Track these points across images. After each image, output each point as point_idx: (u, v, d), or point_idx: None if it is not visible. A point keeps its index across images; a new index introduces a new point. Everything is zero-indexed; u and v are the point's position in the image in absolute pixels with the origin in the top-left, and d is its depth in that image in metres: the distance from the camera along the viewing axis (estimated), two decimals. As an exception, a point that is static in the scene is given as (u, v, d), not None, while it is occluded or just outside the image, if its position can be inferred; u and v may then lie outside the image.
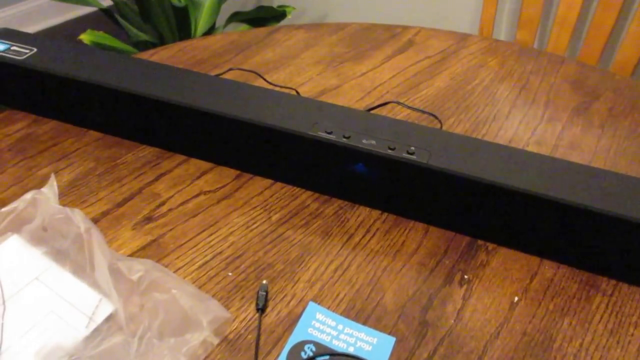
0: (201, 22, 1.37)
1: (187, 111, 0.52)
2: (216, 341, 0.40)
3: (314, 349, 0.41)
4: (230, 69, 0.71)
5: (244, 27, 1.43)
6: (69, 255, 0.44)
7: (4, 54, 0.56)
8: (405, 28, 0.85)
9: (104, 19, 1.37)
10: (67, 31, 2.13)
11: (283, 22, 1.39)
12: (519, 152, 0.49)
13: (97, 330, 0.40)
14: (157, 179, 0.55)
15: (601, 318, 0.44)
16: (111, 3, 1.40)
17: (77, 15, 2.17)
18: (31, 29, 2.12)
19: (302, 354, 0.40)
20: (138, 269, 0.41)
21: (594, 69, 0.77)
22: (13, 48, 0.57)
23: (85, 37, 1.15)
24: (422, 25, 0.86)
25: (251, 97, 0.53)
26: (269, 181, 0.55)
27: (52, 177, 0.49)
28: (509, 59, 0.78)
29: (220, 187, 0.54)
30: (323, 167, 0.51)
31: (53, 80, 0.55)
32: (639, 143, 0.63)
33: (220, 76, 0.64)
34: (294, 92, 0.67)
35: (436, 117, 0.65)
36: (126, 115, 0.56)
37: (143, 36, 1.33)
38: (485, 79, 0.74)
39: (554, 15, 1.07)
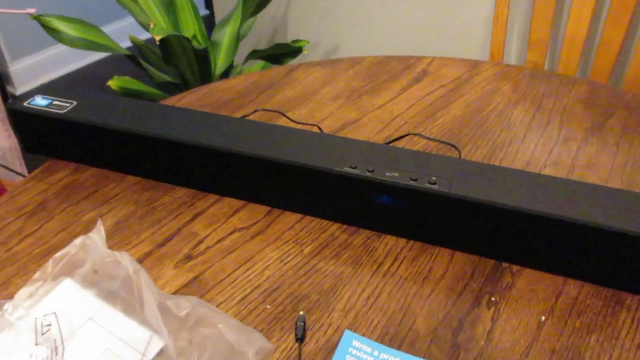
0: (220, 61, 1.42)
1: (218, 153, 0.55)
2: (260, 371, 0.43)
3: (352, 375, 0.43)
4: (256, 110, 0.75)
5: (260, 63, 1.49)
6: (119, 296, 0.48)
7: (47, 109, 0.61)
8: (419, 58, 0.89)
9: (125, 60, 1.44)
10: (91, 74, 2.22)
11: (299, 57, 1.44)
12: (536, 177, 0.51)
13: (149, 365, 0.43)
14: (193, 218, 0.58)
15: (627, 333, 0.46)
16: (130, 44, 1.47)
17: (100, 57, 2.26)
18: (57, 73, 2.22)
19: (342, 380, 0.42)
20: (185, 305, 0.44)
21: (605, 88, 0.79)
22: (55, 103, 0.62)
23: (113, 83, 1.21)
24: (433, 54, 0.90)
25: (277, 136, 0.56)
26: (298, 215, 0.58)
27: (99, 222, 0.52)
28: (521, 83, 0.81)
29: (253, 224, 0.57)
30: (350, 200, 0.54)
31: (92, 130, 0.59)
32: (654, 159, 0.65)
33: (247, 117, 0.68)
34: (316, 129, 0.70)
35: (454, 146, 0.67)
36: (162, 160, 0.60)
37: (165, 77, 1.39)
38: (499, 104, 0.76)
39: (563, 36, 1.10)
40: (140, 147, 0.59)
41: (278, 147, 0.55)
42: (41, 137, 0.63)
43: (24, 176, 1.26)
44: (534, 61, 1.12)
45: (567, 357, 0.44)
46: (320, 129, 0.70)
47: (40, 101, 0.61)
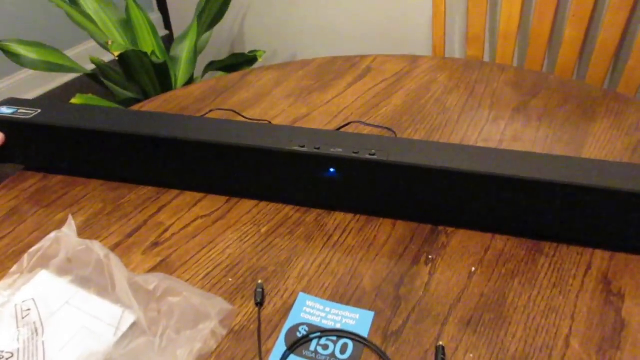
0: (180, 75, 1.48)
1: (178, 144, 0.61)
2: (224, 332, 0.48)
3: (307, 329, 0.48)
4: (211, 110, 0.80)
5: (220, 74, 1.54)
6: (93, 280, 0.52)
7: (12, 116, 0.65)
8: (363, 57, 0.96)
9: (89, 82, 1.48)
10: (57, 98, 2.24)
11: (255, 65, 1.50)
12: (464, 147, 0.58)
13: (124, 337, 0.48)
14: (158, 210, 0.63)
15: (545, 275, 0.53)
16: (94, 67, 1.51)
17: (64, 81, 2.28)
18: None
19: (298, 333, 0.48)
20: (152, 280, 0.49)
21: (531, 72, 0.87)
22: (20, 111, 0.66)
23: (76, 101, 1.25)
24: (381, 53, 0.97)
25: (231, 128, 0.62)
26: (255, 201, 0.63)
27: (70, 217, 0.57)
28: (456, 73, 0.89)
29: (214, 211, 0.62)
30: (300, 177, 0.60)
31: (58, 131, 0.64)
32: (571, 131, 0.73)
33: (203, 116, 0.73)
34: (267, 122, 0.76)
35: (391, 130, 0.74)
36: (127, 155, 0.64)
37: (128, 94, 1.43)
38: (436, 92, 0.84)
39: (497, 30, 1.19)
40: (105, 144, 0.64)
41: (232, 135, 0.60)
42: (8, 144, 0.67)
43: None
44: (474, 55, 1.21)
45: (494, 299, 0.51)
46: (270, 123, 0.76)
47: (5, 110, 0.66)
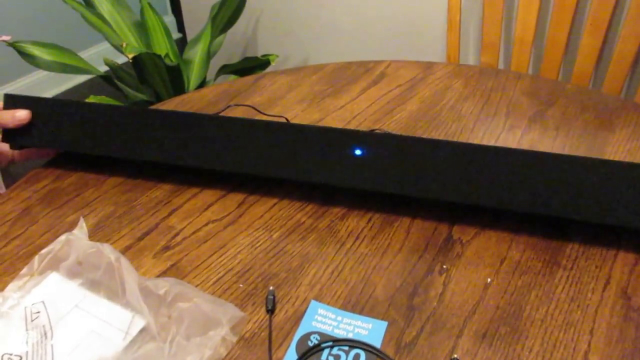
0: (193, 78, 1.48)
1: (208, 120, 0.63)
2: (235, 339, 0.47)
3: (318, 337, 0.48)
4: (229, 106, 0.80)
5: (232, 77, 1.54)
6: (103, 283, 0.52)
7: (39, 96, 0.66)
8: (377, 62, 0.95)
9: (102, 84, 1.48)
10: (70, 98, 2.25)
11: (268, 69, 1.50)
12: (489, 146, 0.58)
13: (133, 342, 0.47)
14: (170, 214, 0.62)
15: (563, 288, 0.52)
16: (107, 69, 1.51)
17: (77, 83, 2.30)
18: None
19: (309, 342, 0.47)
20: (163, 285, 0.48)
21: (548, 81, 0.86)
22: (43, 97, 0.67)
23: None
24: (394, 59, 0.96)
25: (251, 120, 0.64)
26: (268, 206, 0.63)
27: (81, 219, 0.56)
28: (471, 80, 0.88)
29: (226, 215, 0.62)
30: (325, 152, 0.60)
31: (82, 108, 0.66)
32: (589, 141, 0.72)
33: (220, 114, 0.72)
34: (284, 119, 0.76)
35: None
36: (141, 149, 0.65)
37: (141, 96, 1.44)
38: (451, 99, 0.83)
39: (513, 38, 1.18)
40: (127, 121, 0.65)
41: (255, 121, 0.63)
42: (30, 125, 0.67)
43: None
44: (488, 63, 1.20)
45: (510, 311, 0.50)
46: (287, 119, 0.76)
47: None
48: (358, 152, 0.59)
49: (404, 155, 0.58)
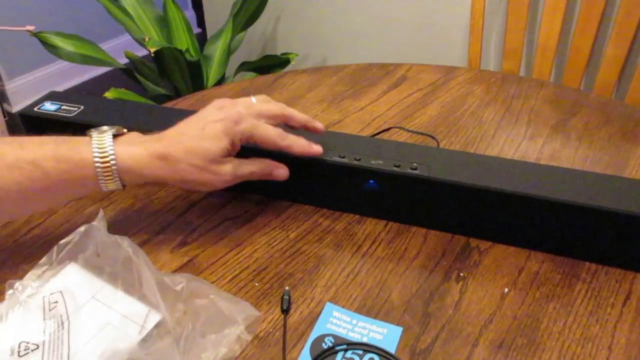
0: (212, 74, 1.48)
1: None
2: (249, 338, 0.47)
3: (332, 340, 0.47)
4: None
5: (251, 75, 1.55)
6: (120, 276, 0.52)
7: (56, 113, 0.65)
8: (398, 65, 0.94)
9: (122, 76, 1.49)
10: (89, 90, 2.28)
11: (287, 68, 1.50)
12: (506, 161, 0.57)
13: (148, 336, 0.47)
14: (187, 209, 0.63)
15: (582, 302, 0.51)
16: (127, 61, 1.52)
17: (97, 74, 2.32)
18: (57, 89, 2.27)
19: (323, 344, 0.47)
20: (180, 281, 0.48)
21: (571, 89, 0.85)
22: (64, 107, 0.66)
23: (110, 95, 1.26)
24: (413, 62, 0.96)
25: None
26: (285, 206, 0.63)
27: (101, 211, 0.57)
28: (493, 86, 0.87)
29: (243, 213, 0.62)
30: (339, 187, 0.59)
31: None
32: (612, 152, 0.71)
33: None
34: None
35: (433, 138, 0.73)
36: None
37: (160, 90, 1.44)
38: (472, 105, 0.82)
39: (536, 44, 1.17)
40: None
41: None
42: None
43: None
44: (510, 69, 1.19)
45: (527, 323, 0.49)
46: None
47: (49, 106, 0.66)
48: (371, 183, 0.58)
49: (419, 196, 0.57)
